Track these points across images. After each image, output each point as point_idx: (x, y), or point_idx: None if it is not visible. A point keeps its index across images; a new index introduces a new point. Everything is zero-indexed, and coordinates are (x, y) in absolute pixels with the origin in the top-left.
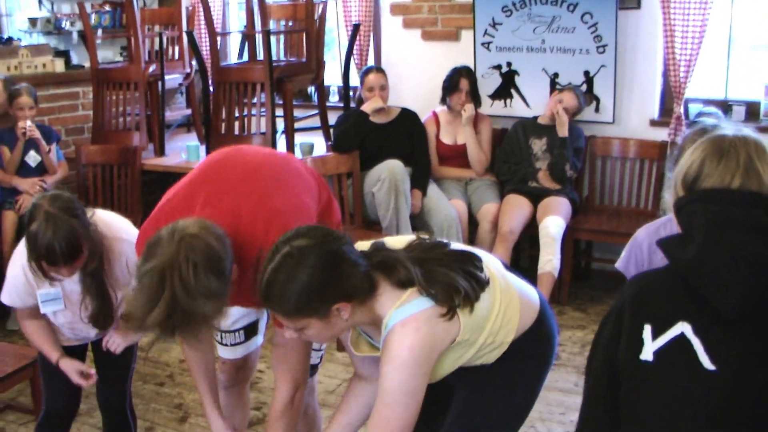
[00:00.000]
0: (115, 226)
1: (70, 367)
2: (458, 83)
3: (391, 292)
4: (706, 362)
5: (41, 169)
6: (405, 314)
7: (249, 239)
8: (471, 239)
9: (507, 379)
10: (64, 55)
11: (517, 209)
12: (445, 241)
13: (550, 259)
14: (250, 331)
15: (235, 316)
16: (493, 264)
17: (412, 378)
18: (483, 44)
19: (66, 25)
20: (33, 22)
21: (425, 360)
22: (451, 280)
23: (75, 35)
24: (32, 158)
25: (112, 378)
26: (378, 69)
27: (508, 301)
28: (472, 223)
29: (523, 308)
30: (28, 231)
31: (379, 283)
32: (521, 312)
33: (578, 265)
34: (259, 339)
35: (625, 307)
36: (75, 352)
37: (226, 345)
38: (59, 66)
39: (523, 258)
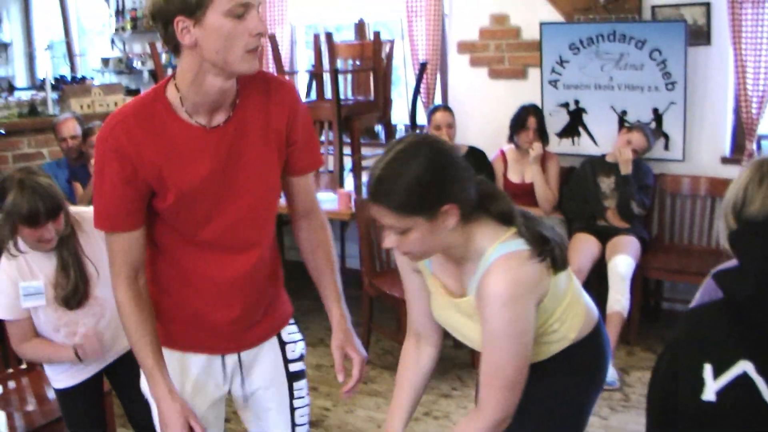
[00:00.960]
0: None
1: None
2: (526, 121)
3: (494, 226)
4: None
5: None
6: (508, 249)
7: None
8: None
9: (560, 390)
10: (136, 93)
11: (585, 248)
12: None
13: (619, 299)
14: None
15: None
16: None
17: (517, 317)
18: (550, 82)
19: (137, 64)
20: (105, 61)
21: (527, 297)
22: (546, 238)
23: (146, 74)
24: None
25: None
26: (445, 107)
27: (577, 298)
28: None
29: (586, 312)
30: (5, 205)
31: (481, 213)
32: (584, 315)
33: (648, 305)
34: None
35: (681, 344)
36: (89, 385)
37: None
38: None
39: (592, 297)
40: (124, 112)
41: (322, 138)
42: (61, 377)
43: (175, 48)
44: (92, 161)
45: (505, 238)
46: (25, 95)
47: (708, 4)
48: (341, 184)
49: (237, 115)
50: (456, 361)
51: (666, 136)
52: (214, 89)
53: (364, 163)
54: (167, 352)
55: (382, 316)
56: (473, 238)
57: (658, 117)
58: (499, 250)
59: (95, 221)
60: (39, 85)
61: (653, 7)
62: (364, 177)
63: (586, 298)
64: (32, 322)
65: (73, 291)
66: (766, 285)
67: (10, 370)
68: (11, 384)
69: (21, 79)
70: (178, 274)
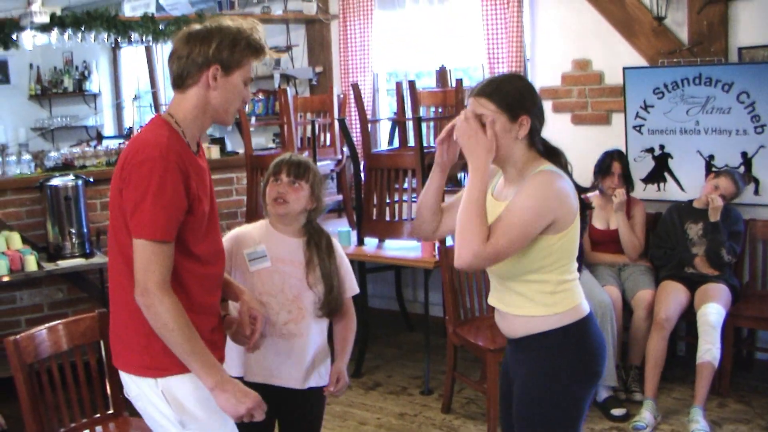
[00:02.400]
0: None
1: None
2: (610, 167)
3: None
4: None
5: None
6: (553, 169)
7: None
8: (625, 326)
9: (550, 366)
10: (220, 141)
11: (673, 296)
12: None
13: (709, 348)
14: None
15: None
16: None
17: (538, 208)
18: (635, 127)
19: None
20: None
21: (554, 203)
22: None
23: None
24: None
25: None
26: None
27: (575, 284)
28: (627, 310)
29: (579, 304)
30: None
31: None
32: (576, 303)
33: (740, 355)
34: None
35: None
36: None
37: None
38: (215, 152)
39: (680, 347)
40: (164, 136)
41: (405, 185)
42: (233, 363)
43: (185, 81)
44: None
45: (551, 165)
46: (112, 144)
47: None
48: None
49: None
50: None
51: (756, 181)
52: (205, 126)
53: None
54: (191, 378)
55: (465, 364)
56: (532, 161)
57: (747, 161)
58: (547, 167)
59: (152, 231)
60: (126, 134)
61: (740, 49)
62: None
63: (582, 295)
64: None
65: (329, 280)
66: None
67: (98, 415)
68: (98, 429)
69: (109, 129)
70: (180, 288)
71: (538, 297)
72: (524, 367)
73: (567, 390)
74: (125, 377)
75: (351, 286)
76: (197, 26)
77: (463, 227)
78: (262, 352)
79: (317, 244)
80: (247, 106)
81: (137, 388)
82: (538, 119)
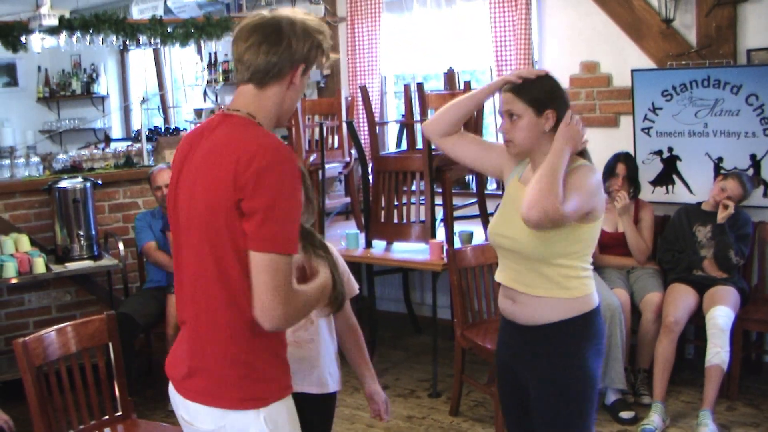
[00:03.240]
0: None
1: None
2: (615, 168)
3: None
4: None
5: None
6: (588, 163)
7: None
8: (634, 329)
9: (573, 350)
10: None
11: (682, 299)
12: None
13: (718, 352)
14: None
15: None
16: None
17: (585, 202)
18: (643, 129)
19: None
20: (198, 113)
21: (596, 194)
22: None
23: None
24: None
25: None
26: None
27: (591, 276)
28: (635, 312)
29: (593, 292)
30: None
31: None
32: (592, 291)
33: (749, 358)
34: None
35: None
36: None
37: None
38: None
39: (689, 350)
40: (276, 138)
41: (414, 188)
42: None
43: (268, 77)
44: None
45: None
46: (121, 146)
47: None
48: (433, 235)
49: None
50: None
51: (765, 183)
52: (276, 125)
53: (456, 213)
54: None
55: (473, 367)
56: (577, 157)
57: (756, 163)
58: (584, 162)
59: (283, 245)
60: (134, 137)
61: (749, 51)
62: (456, 227)
63: (594, 287)
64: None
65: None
66: None
67: (106, 417)
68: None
69: (117, 131)
70: None
71: (564, 281)
72: (543, 356)
73: (588, 369)
74: (206, 411)
75: (350, 284)
76: (282, 17)
77: (543, 187)
78: None
79: (312, 244)
80: None
81: (222, 420)
82: (563, 109)
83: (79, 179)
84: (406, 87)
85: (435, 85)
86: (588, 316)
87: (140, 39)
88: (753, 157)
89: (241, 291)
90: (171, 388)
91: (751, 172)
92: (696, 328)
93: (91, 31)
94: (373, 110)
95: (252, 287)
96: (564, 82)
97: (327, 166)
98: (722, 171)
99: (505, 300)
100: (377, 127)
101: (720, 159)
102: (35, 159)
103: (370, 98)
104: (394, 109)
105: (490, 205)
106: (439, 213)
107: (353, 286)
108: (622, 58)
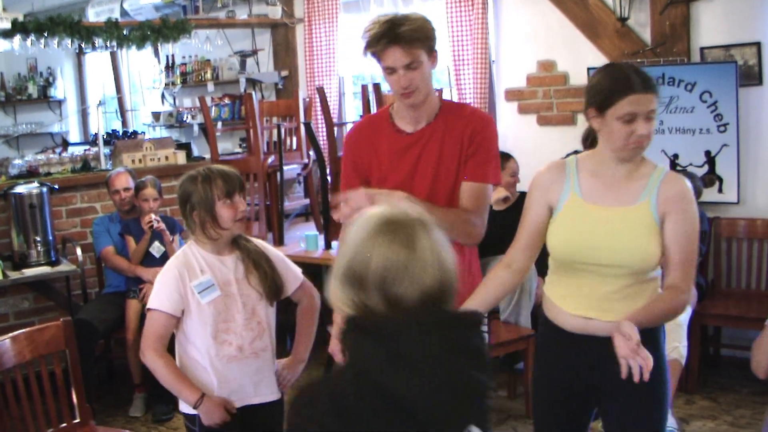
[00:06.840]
0: None
1: (213, 403)
2: None
3: None
4: None
5: (164, 260)
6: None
7: None
8: None
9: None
10: (186, 147)
11: None
12: None
13: (676, 346)
14: None
15: None
16: None
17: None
18: None
19: (187, 118)
20: (156, 116)
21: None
22: None
23: (196, 128)
24: (156, 249)
25: None
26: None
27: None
28: None
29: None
30: (197, 184)
31: None
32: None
33: (707, 353)
34: None
35: None
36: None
37: None
38: (181, 158)
39: None
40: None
41: None
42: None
43: None
44: (145, 218)
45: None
46: (78, 150)
47: (759, 44)
48: None
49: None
50: (511, 413)
51: (720, 179)
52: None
53: None
54: None
55: None
56: (643, 160)
57: (711, 159)
58: (665, 168)
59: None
60: (92, 141)
61: (702, 49)
62: None
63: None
64: (171, 331)
65: (273, 283)
66: None
67: (64, 425)
68: None
69: (75, 135)
70: None
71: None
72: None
73: (663, 350)
74: None
75: (295, 273)
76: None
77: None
78: (237, 378)
79: (248, 250)
80: (213, 110)
81: None
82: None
83: (36, 184)
84: (364, 87)
85: None
86: None
87: (96, 42)
88: (708, 153)
89: None
90: None
91: (706, 168)
92: None
93: (46, 34)
94: (331, 111)
95: None
96: (521, 81)
97: (285, 167)
98: (678, 168)
99: (575, 318)
100: (335, 128)
101: (676, 156)
102: None
103: (328, 99)
104: (353, 110)
105: None
106: None
107: (297, 271)
108: (579, 56)
